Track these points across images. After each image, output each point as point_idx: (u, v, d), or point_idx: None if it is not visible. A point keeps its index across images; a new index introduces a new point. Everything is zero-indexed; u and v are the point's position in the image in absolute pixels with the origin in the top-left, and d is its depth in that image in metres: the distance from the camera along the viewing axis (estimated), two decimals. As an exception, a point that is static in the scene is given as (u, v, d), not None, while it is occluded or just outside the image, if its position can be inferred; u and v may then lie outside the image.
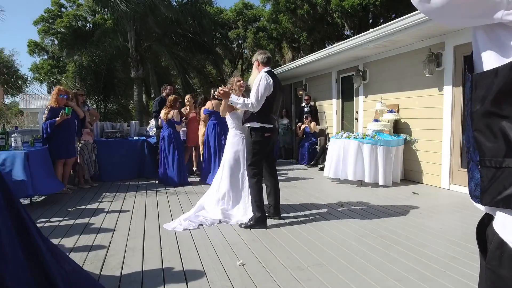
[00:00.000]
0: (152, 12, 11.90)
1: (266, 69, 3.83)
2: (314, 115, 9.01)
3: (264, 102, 3.70)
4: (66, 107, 5.27)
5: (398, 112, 6.40)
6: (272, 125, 3.81)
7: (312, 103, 9.19)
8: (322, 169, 7.38)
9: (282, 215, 4.05)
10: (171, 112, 6.26)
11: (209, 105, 6.28)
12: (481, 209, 0.91)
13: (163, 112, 6.37)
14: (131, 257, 3.00)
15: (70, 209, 4.65)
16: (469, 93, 0.87)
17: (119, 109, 13.85)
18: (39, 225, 3.96)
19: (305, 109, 9.00)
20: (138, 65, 13.01)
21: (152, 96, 18.25)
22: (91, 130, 6.42)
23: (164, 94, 7.22)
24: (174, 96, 6.49)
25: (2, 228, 1.62)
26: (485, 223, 0.93)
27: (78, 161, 6.09)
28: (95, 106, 11.96)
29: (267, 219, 3.83)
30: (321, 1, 14.81)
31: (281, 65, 12.35)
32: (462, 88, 5.21)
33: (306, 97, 9.19)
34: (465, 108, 5.17)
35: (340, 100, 8.41)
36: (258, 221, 3.73)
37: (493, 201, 0.83)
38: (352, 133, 6.52)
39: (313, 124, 8.61)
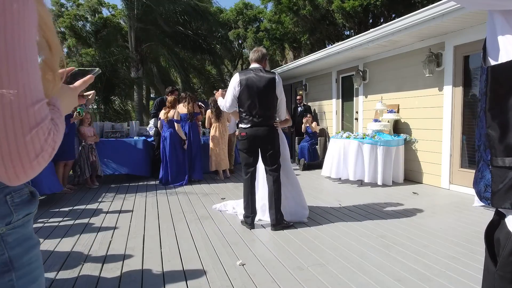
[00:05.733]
0: (157, 8, 11.91)
1: (251, 66, 3.81)
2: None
3: (237, 101, 3.73)
4: (79, 108, 5.15)
5: (398, 112, 6.39)
6: (248, 125, 3.68)
7: (306, 103, 9.16)
8: (306, 168, 7.65)
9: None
10: (171, 112, 6.26)
11: (184, 109, 6.60)
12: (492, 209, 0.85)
13: (162, 112, 6.38)
14: (131, 257, 3.00)
15: (70, 209, 4.65)
16: (484, 87, 0.80)
17: (119, 109, 13.86)
18: (39, 225, 3.96)
19: (299, 109, 8.95)
20: (138, 65, 13.02)
21: (152, 96, 18.25)
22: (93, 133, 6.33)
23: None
24: (173, 97, 6.48)
25: None
26: (495, 226, 0.86)
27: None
28: (95, 107, 11.95)
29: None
30: (322, 1, 14.82)
31: (281, 65, 12.35)
32: (462, 88, 5.21)
33: (298, 97, 9.12)
34: (466, 104, 5.10)
35: (340, 100, 8.41)
36: (244, 219, 3.80)
37: (507, 203, 0.77)
38: (352, 133, 6.52)
39: (314, 123, 8.60)
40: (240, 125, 3.80)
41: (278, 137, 3.78)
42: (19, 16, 0.56)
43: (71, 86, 0.82)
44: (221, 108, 4.00)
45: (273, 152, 3.73)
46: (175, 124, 6.27)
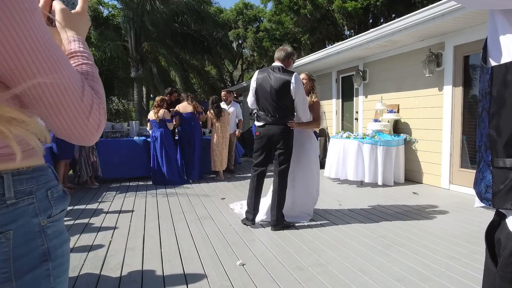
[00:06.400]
0: (150, 9, 11.90)
1: (273, 64, 3.86)
2: None
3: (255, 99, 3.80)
4: None
5: (398, 112, 6.39)
6: (262, 123, 3.73)
7: None
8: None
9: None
10: (161, 111, 6.24)
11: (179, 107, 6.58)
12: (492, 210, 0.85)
13: (151, 113, 6.36)
14: (131, 257, 3.00)
15: (70, 209, 4.65)
16: (488, 87, 0.79)
17: (119, 110, 13.86)
18: (39, 225, 3.96)
19: None
20: (138, 65, 13.02)
21: (152, 96, 18.26)
22: None
23: (167, 98, 7.15)
24: (161, 96, 6.50)
25: None
26: (495, 226, 0.86)
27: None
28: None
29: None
30: (323, 1, 14.82)
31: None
32: (462, 88, 5.21)
33: None
34: (466, 104, 5.10)
35: (340, 100, 8.41)
36: (245, 215, 3.82)
37: (508, 204, 0.77)
38: (352, 133, 6.52)
39: (314, 124, 8.58)
40: (256, 123, 3.85)
41: (291, 138, 3.74)
42: (34, 13, 0.60)
43: (77, 10, 0.86)
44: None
45: (284, 151, 3.68)
46: (167, 123, 6.25)
